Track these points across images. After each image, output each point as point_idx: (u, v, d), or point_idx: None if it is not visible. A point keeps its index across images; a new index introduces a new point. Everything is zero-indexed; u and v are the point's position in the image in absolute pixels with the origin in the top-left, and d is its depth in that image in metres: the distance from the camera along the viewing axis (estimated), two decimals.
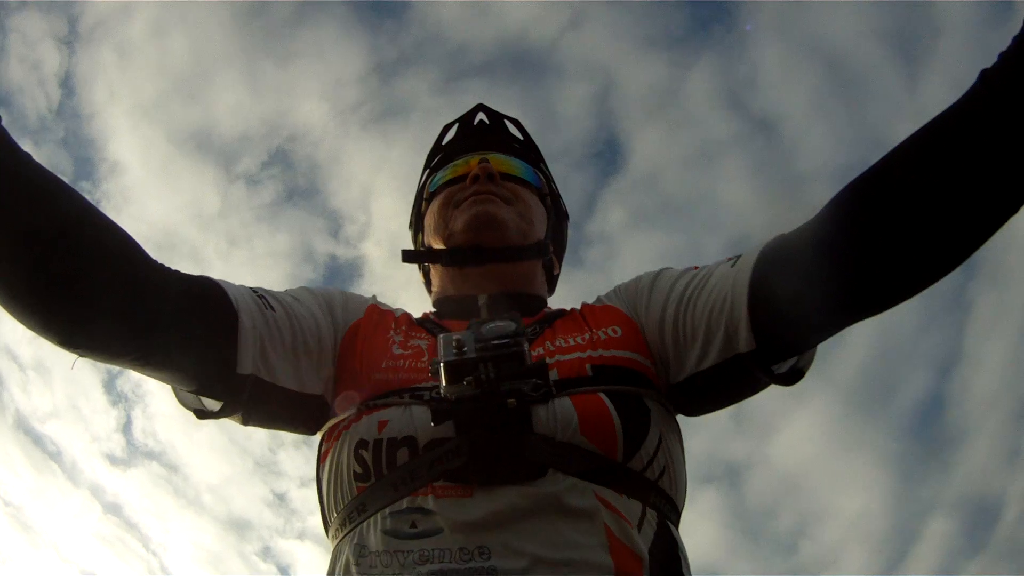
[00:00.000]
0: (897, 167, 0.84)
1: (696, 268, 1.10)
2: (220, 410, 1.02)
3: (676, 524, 1.00)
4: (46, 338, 0.88)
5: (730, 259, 1.03)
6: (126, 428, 7.77)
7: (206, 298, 1.00)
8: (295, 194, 7.53)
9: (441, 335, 0.95)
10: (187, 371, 0.99)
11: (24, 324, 0.88)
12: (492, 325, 0.94)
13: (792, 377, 1.02)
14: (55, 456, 7.49)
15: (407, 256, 1.37)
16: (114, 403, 7.74)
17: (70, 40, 6.46)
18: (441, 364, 0.90)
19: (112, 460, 7.72)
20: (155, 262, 0.95)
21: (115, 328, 0.90)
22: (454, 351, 0.91)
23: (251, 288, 1.07)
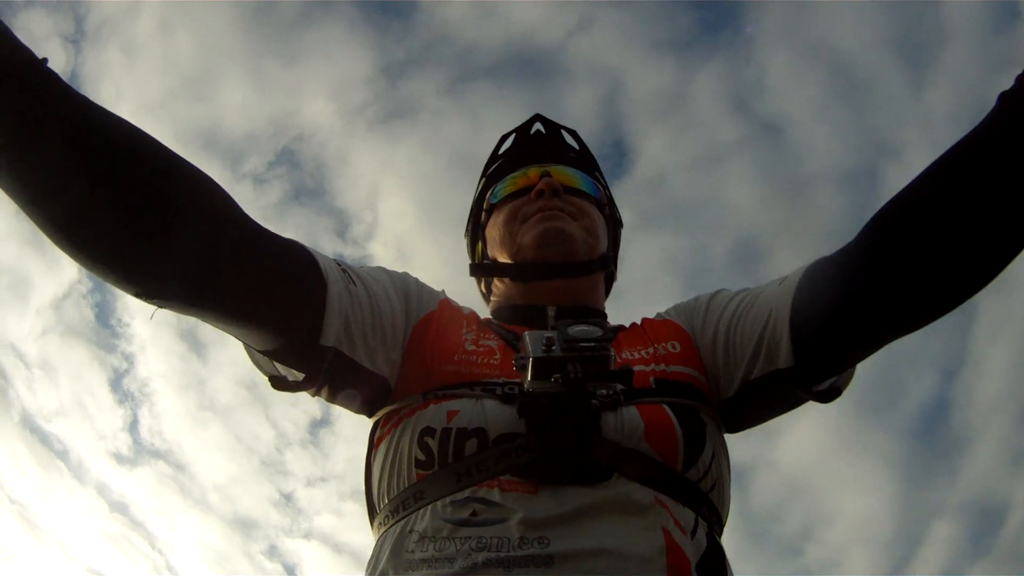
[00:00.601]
0: (924, 192, 0.88)
1: (747, 290, 1.15)
2: (301, 382, 1.00)
3: (720, 537, 1.01)
4: (126, 289, 0.87)
5: (779, 279, 1.08)
6: (132, 427, 7.71)
7: (298, 260, 1.00)
8: (302, 193, 7.49)
9: (528, 332, 0.96)
10: (268, 332, 0.97)
11: (102, 275, 0.86)
12: (579, 328, 0.95)
13: (830, 395, 1.06)
14: (61, 455, 7.41)
15: (475, 270, 1.39)
16: (120, 402, 7.63)
17: (76, 39, 6.37)
18: (530, 359, 0.91)
19: (119, 459, 7.63)
20: (247, 217, 0.94)
21: (203, 275, 0.89)
22: (543, 348, 0.92)
23: (335, 259, 1.07)
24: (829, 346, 1.00)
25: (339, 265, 1.06)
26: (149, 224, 0.83)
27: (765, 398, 1.07)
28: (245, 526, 7.94)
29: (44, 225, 0.82)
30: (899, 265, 0.89)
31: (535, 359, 0.91)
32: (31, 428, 7.34)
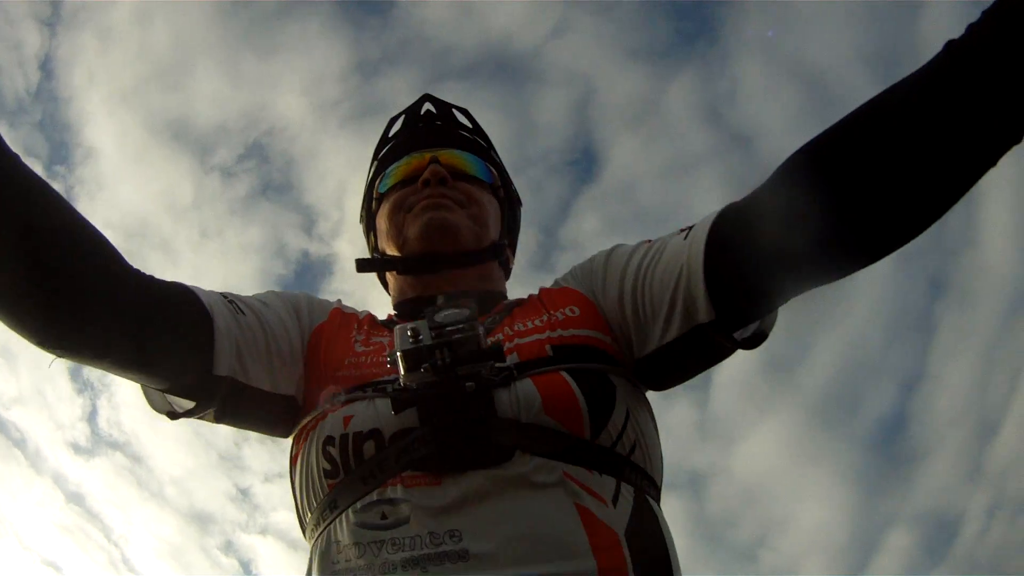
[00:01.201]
0: (855, 132, 0.84)
1: (649, 242, 1.11)
2: (192, 409, 1.03)
3: (657, 499, 1.00)
4: (25, 337, 0.89)
5: (682, 231, 1.03)
6: (91, 417, 7.78)
7: (181, 303, 1.02)
8: (270, 188, 7.53)
9: (396, 326, 0.96)
10: (163, 373, 1.00)
11: (4, 322, 0.88)
12: (446, 312, 0.96)
13: (756, 340, 1.03)
14: (19, 443, 7.48)
15: (362, 265, 1.36)
16: (80, 391, 7.70)
17: (52, 22, 6.46)
18: (398, 353, 0.92)
19: (76, 449, 7.70)
20: (131, 267, 0.96)
21: (96, 330, 0.92)
22: (410, 340, 0.93)
23: (221, 293, 1.09)
24: (751, 295, 0.97)
25: (225, 298, 1.07)
26: (47, 280, 0.86)
27: (688, 354, 1.02)
28: (201, 520, 8.06)
29: None
30: (830, 206, 0.85)
31: (402, 352, 0.92)
32: None
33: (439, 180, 1.26)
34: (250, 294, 1.17)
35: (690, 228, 1.02)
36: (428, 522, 0.87)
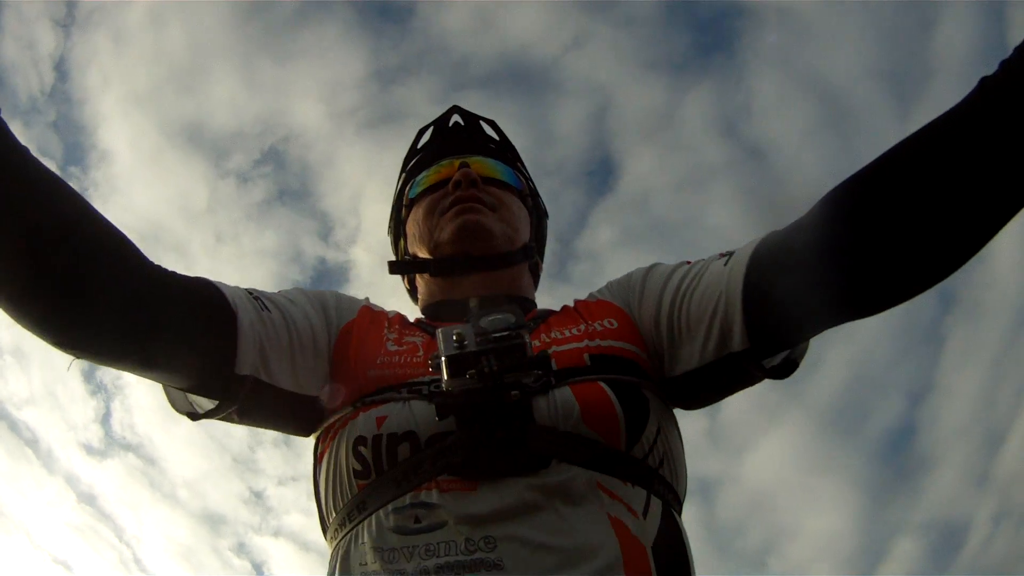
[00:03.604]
0: (893, 168, 0.84)
1: (688, 263, 1.10)
2: (214, 409, 1.00)
3: (679, 513, 1.00)
4: (42, 338, 0.86)
5: (723, 255, 1.03)
6: (104, 419, 7.63)
7: (204, 299, 0.98)
8: (286, 194, 7.42)
9: (440, 329, 0.93)
10: (185, 372, 0.97)
11: (20, 324, 0.85)
12: (492, 318, 0.93)
13: (786, 369, 1.02)
14: (31, 443, 7.33)
15: (394, 267, 1.36)
16: (93, 393, 7.56)
17: (67, 23, 6.31)
18: (443, 359, 0.89)
19: (89, 450, 7.57)
20: (151, 263, 0.93)
21: (115, 329, 0.88)
22: (455, 345, 0.90)
23: (246, 289, 1.05)
24: (785, 327, 0.96)
25: (250, 294, 1.04)
26: (61, 279, 0.82)
27: (716, 379, 1.03)
28: (214, 522, 7.95)
29: None
30: (868, 243, 0.85)
31: (447, 358, 0.89)
32: (0, 415, 7.27)
33: (470, 182, 1.27)
34: (274, 290, 1.13)
35: (731, 253, 1.02)
36: (463, 528, 0.86)
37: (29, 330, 0.85)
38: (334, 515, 0.98)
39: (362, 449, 0.94)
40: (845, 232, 0.86)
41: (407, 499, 0.90)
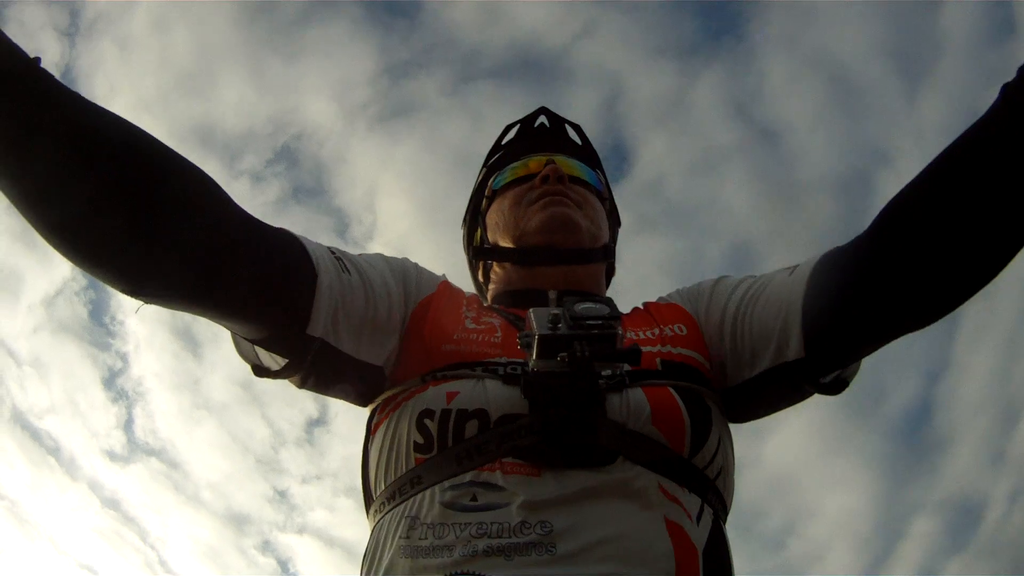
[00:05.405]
0: (928, 186, 0.87)
1: (754, 276, 1.13)
2: (282, 369, 0.98)
3: (725, 524, 1.00)
4: (116, 286, 0.85)
5: (789, 268, 1.06)
6: (127, 425, 7.66)
7: (287, 252, 0.97)
8: (300, 192, 7.39)
9: (533, 309, 0.92)
10: (257, 324, 0.95)
11: (97, 275, 0.85)
12: (586, 305, 0.92)
13: (836, 387, 1.04)
14: (53, 451, 7.36)
15: (478, 253, 1.37)
16: (114, 400, 7.59)
17: (71, 32, 6.33)
18: (536, 336, 0.88)
19: (111, 456, 7.58)
20: (240, 211, 0.92)
21: (192, 275, 0.87)
22: (549, 325, 0.89)
23: (328, 247, 1.04)
24: (840, 339, 0.98)
25: (332, 253, 1.03)
26: (147, 224, 0.82)
27: (771, 390, 1.05)
28: (238, 521, 7.92)
29: (41, 227, 0.80)
30: (905, 260, 0.88)
31: (541, 337, 0.88)
32: (22, 424, 7.30)
33: (558, 177, 1.28)
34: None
35: (796, 266, 1.05)
36: (521, 511, 0.85)
37: (110, 278, 0.85)
38: (383, 488, 0.97)
39: (428, 422, 0.93)
40: (886, 249, 0.90)
41: (467, 477, 0.89)
